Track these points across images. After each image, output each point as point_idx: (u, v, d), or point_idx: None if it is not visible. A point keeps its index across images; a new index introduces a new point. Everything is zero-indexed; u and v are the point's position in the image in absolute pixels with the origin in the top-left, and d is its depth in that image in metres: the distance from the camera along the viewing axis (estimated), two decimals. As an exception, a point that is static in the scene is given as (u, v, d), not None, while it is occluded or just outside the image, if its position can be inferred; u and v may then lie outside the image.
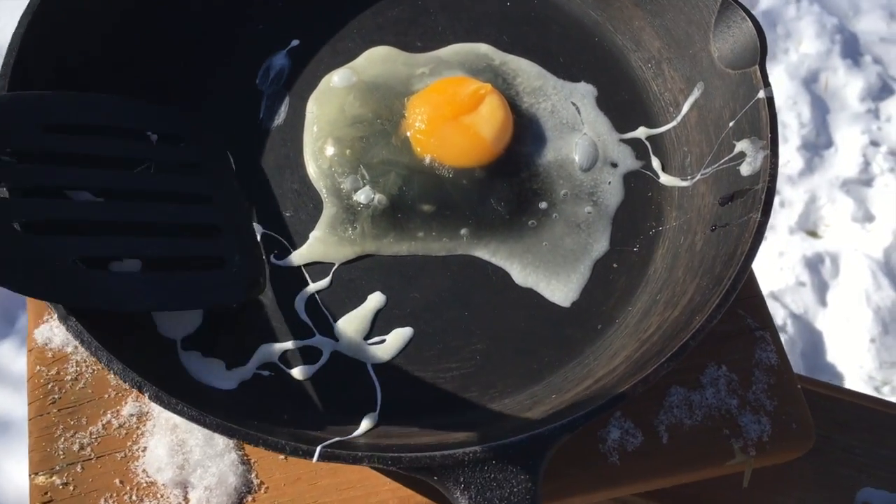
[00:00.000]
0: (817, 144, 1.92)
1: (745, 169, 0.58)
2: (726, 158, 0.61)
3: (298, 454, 0.45)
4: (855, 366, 1.62)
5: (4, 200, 0.50)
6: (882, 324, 1.66)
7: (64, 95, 0.56)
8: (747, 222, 0.55)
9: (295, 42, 0.70)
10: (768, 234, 1.78)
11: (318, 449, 0.46)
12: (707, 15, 0.63)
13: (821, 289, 1.72)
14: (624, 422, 0.56)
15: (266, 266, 0.60)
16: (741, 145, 0.59)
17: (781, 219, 1.81)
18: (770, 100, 0.58)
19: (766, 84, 0.58)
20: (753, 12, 0.64)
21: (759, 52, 0.59)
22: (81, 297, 0.49)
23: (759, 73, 0.59)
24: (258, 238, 0.61)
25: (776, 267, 1.72)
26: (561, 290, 0.60)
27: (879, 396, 1.52)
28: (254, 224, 0.62)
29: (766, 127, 0.58)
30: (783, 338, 1.60)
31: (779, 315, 1.65)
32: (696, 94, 0.65)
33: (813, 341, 1.66)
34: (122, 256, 0.54)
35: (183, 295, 0.54)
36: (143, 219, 0.55)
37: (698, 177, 0.63)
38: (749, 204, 0.56)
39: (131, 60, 0.64)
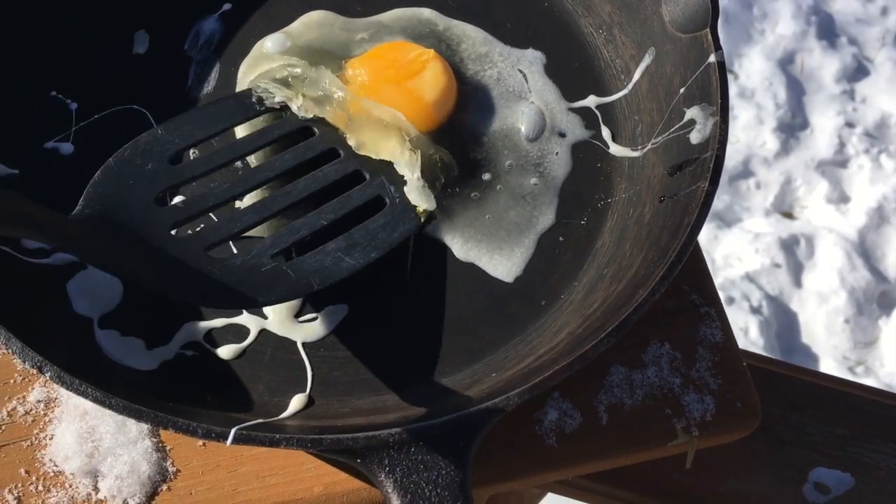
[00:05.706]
0: (793, 126, 1.91)
1: (695, 137, 0.56)
2: (676, 126, 0.58)
3: (212, 437, 0.43)
4: (830, 346, 1.62)
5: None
6: (856, 304, 1.65)
7: (172, 124, 0.55)
8: (695, 192, 0.53)
9: (227, 6, 0.66)
10: (744, 215, 1.77)
11: (233, 431, 0.43)
12: (658, -24, 0.61)
13: (796, 270, 1.71)
14: (562, 402, 0.53)
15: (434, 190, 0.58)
16: (691, 112, 0.57)
17: (758, 200, 1.80)
18: (721, 64, 0.56)
19: (718, 48, 0.56)
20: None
21: (711, 15, 0.57)
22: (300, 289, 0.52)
23: (709, 36, 0.56)
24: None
25: (752, 249, 1.71)
26: (504, 264, 0.58)
27: (845, 376, 1.52)
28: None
29: (716, 92, 0.55)
30: (758, 319, 1.59)
31: (754, 297, 1.64)
32: (647, 60, 0.62)
33: (788, 322, 1.65)
34: (306, 237, 0.54)
35: (369, 246, 0.54)
36: (299, 196, 0.55)
37: (649, 146, 0.60)
38: (698, 173, 0.54)
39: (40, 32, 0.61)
